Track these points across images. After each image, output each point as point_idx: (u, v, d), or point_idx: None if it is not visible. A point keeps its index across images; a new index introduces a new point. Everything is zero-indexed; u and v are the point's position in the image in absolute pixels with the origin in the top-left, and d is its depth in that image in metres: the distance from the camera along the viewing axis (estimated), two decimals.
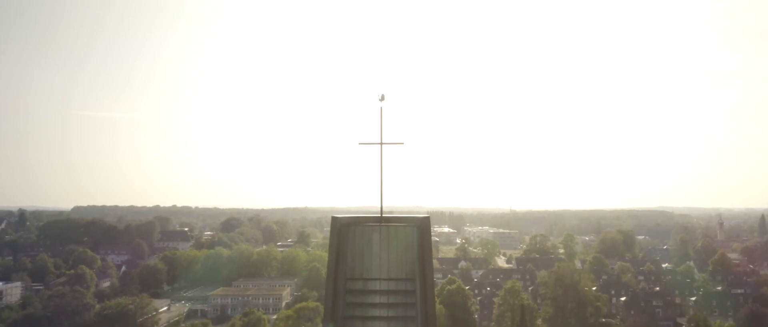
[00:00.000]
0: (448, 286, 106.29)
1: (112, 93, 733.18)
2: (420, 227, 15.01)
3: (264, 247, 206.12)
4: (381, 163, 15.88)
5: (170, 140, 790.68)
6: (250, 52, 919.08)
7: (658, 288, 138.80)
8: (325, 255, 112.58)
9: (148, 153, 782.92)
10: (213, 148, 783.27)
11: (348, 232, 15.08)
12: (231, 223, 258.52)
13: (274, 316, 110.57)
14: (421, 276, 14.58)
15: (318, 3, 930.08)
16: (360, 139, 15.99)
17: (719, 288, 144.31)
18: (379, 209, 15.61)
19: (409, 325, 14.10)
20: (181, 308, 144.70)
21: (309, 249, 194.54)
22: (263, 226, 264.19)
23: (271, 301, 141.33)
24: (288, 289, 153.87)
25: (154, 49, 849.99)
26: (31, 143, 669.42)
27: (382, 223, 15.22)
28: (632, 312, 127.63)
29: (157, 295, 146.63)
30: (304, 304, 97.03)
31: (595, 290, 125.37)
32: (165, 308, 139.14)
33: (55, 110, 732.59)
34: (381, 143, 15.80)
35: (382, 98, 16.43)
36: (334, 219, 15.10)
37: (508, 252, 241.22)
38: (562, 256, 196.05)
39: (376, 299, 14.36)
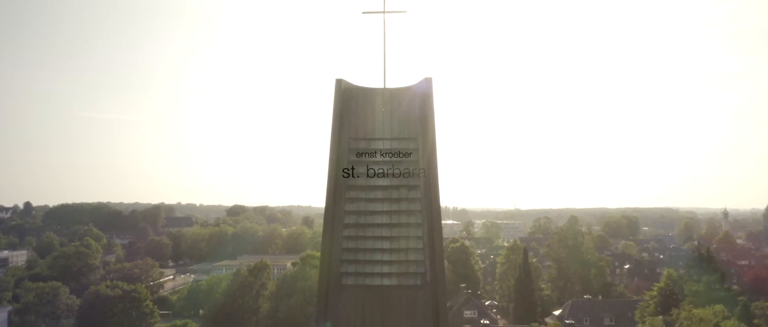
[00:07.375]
0: (452, 245, 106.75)
1: (113, 95, 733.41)
2: (422, 89, 15.56)
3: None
4: (384, 33, 15.97)
5: (173, 141, 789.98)
6: (252, 51, 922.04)
7: (662, 256, 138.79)
8: None
9: (150, 154, 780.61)
10: (216, 148, 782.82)
11: (352, 95, 15.61)
12: (235, 210, 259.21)
13: None
14: (422, 134, 15.06)
15: None
16: (363, 8, 16.16)
17: (724, 258, 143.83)
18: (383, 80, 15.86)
19: (411, 181, 14.66)
20: (186, 279, 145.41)
21: (314, 230, 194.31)
22: (268, 214, 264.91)
23: (276, 271, 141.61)
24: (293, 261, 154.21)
25: (155, 51, 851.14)
26: (32, 145, 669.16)
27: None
28: (636, 279, 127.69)
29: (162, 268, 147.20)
30: (310, 252, 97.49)
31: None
32: (170, 278, 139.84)
33: (56, 112, 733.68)
34: (384, 12, 16.01)
35: None
36: (338, 81, 15.43)
37: (512, 239, 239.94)
38: None
39: (379, 157, 14.94)
